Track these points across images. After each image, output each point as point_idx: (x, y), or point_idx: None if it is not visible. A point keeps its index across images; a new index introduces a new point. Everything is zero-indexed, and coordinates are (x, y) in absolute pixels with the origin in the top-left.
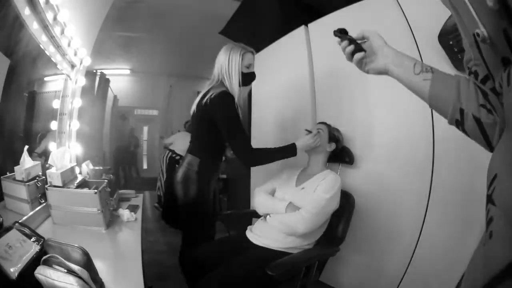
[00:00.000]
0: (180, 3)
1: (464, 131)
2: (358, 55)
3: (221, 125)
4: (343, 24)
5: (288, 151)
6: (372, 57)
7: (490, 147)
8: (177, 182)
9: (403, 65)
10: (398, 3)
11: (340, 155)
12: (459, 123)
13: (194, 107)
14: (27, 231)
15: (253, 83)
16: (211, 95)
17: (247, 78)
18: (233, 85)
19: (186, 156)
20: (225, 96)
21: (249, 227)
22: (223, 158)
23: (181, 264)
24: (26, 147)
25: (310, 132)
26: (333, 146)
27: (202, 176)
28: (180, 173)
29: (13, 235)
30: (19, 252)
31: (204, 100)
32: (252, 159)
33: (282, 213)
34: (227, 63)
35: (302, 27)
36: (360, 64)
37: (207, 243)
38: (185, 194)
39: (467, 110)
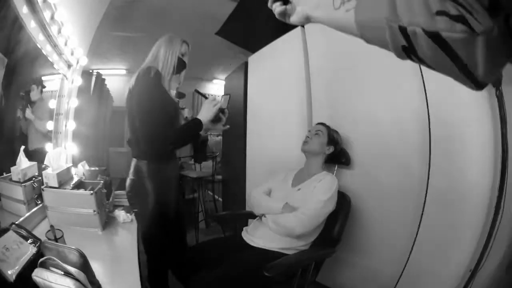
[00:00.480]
0: (177, 3)
1: (422, 61)
2: (278, 8)
3: (136, 104)
4: None
5: (194, 127)
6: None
7: (471, 77)
8: (128, 196)
9: (321, 4)
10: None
11: (337, 156)
12: (409, 51)
13: (126, 99)
14: (23, 232)
15: (250, 83)
16: (137, 74)
17: (182, 63)
18: (168, 66)
19: (132, 162)
20: (148, 70)
21: (245, 228)
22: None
23: None
24: (23, 147)
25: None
26: (331, 149)
27: (156, 183)
28: (129, 186)
29: (10, 237)
30: (16, 254)
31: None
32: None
33: (278, 213)
34: (167, 48)
35: (299, 28)
36: (284, 17)
37: (203, 243)
38: (141, 210)
39: (411, 27)
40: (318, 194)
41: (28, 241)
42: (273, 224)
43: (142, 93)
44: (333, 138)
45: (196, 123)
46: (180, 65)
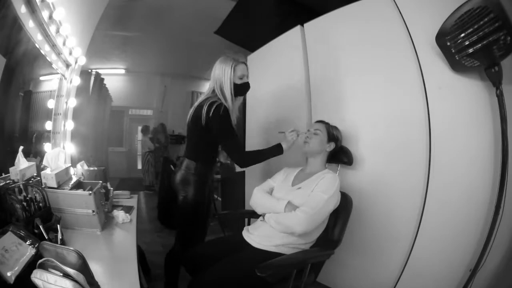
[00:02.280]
0: (175, 2)
1: None
2: None
3: (216, 133)
4: (339, 23)
5: (275, 150)
6: None
7: None
8: (176, 184)
9: None
10: (395, 3)
11: (339, 155)
12: None
13: (189, 116)
14: (22, 233)
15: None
16: (206, 105)
17: (241, 88)
18: (226, 96)
19: (183, 160)
20: (219, 107)
21: (245, 227)
22: (217, 161)
23: (166, 264)
24: (21, 147)
25: (283, 132)
26: (332, 145)
27: (198, 178)
28: (179, 176)
29: (9, 238)
30: (15, 255)
31: (202, 111)
32: (245, 160)
33: (281, 212)
34: (221, 75)
35: (298, 27)
36: None
37: (201, 243)
38: (183, 195)
39: None
40: (319, 192)
41: (27, 242)
42: (275, 223)
43: (222, 123)
44: (333, 135)
45: (279, 147)
46: (239, 90)
